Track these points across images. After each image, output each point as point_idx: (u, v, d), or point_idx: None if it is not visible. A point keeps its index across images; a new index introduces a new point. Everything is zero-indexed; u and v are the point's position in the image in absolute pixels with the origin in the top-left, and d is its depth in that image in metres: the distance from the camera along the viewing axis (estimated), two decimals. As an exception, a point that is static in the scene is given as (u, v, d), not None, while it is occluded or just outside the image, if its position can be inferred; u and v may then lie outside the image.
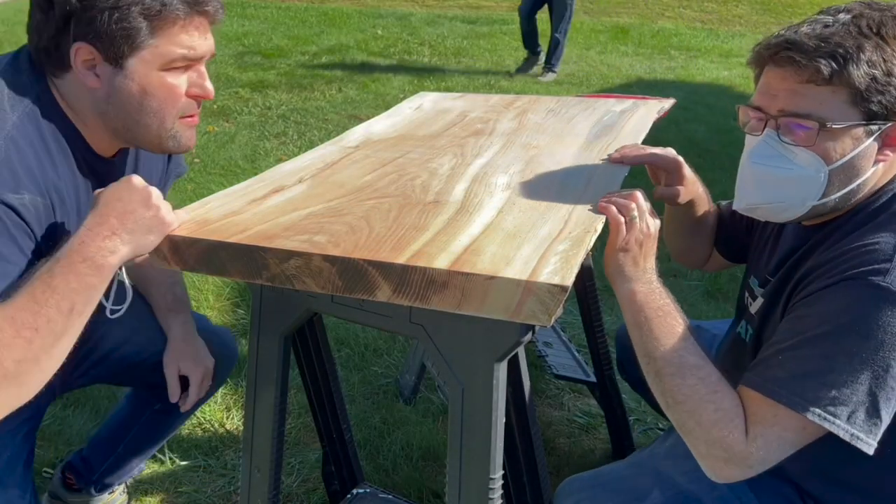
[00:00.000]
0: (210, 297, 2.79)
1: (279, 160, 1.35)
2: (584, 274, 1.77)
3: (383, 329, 1.09)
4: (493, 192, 1.16)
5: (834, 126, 0.99)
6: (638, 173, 1.39)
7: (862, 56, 0.96)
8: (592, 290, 1.79)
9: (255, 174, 1.31)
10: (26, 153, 1.02)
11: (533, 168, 1.30)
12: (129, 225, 0.95)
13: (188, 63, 1.09)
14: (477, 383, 0.97)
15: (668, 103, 1.80)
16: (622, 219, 1.06)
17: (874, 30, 0.98)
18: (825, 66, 0.96)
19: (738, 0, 9.28)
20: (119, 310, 1.04)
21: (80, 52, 1.04)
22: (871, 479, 1.05)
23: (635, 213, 1.06)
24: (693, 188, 1.36)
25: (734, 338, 1.29)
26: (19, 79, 1.07)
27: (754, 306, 1.21)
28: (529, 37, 6.25)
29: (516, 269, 0.87)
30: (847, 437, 0.93)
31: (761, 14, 8.86)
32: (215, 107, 5.18)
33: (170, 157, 1.41)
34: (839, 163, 1.01)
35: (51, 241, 1.05)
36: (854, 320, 0.93)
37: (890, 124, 0.99)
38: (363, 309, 1.05)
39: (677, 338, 1.03)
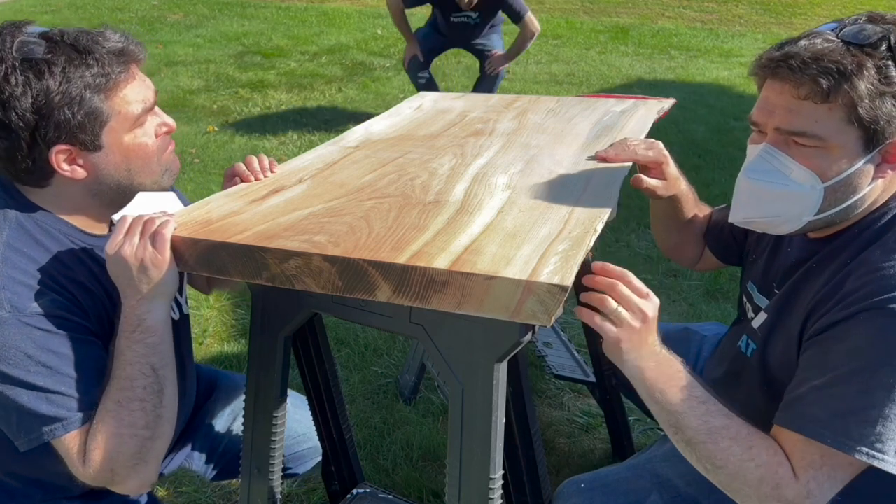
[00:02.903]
0: (210, 297, 2.79)
1: (279, 160, 1.35)
2: (584, 274, 1.76)
3: (383, 329, 1.09)
4: (493, 192, 1.16)
5: (830, 144, 0.98)
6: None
7: (862, 74, 0.95)
8: (592, 290, 1.79)
9: (255, 174, 1.31)
10: (27, 266, 1.06)
11: (533, 168, 1.30)
12: (135, 285, 1.03)
13: (147, 112, 1.13)
14: (477, 383, 0.97)
15: (668, 103, 1.80)
16: (603, 322, 1.00)
17: (875, 46, 0.96)
18: (824, 83, 0.96)
19: (738, 0, 9.28)
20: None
21: (59, 155, 1.06)
22: (883, 487, 1.04)
23: (613, 305, 0.99)
24: (675, 185, 1.36)
25: (734, 352, 1.27)
26: None
27: (756, 321, 1.20)
28: None
29: (516, 269, 0.87)
30: (894, 471, 0.92)
31: (761, 14, 8.86)
32: (215, 107, 5.16)
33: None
34: (835, 180, 1.00)
35: (97, 318, 1.11)
36: (883, 352, 0.92)
37: (889, 142, 0.98)
38: (363, 309, 1.04)
39: (697, 402, 1.00)
